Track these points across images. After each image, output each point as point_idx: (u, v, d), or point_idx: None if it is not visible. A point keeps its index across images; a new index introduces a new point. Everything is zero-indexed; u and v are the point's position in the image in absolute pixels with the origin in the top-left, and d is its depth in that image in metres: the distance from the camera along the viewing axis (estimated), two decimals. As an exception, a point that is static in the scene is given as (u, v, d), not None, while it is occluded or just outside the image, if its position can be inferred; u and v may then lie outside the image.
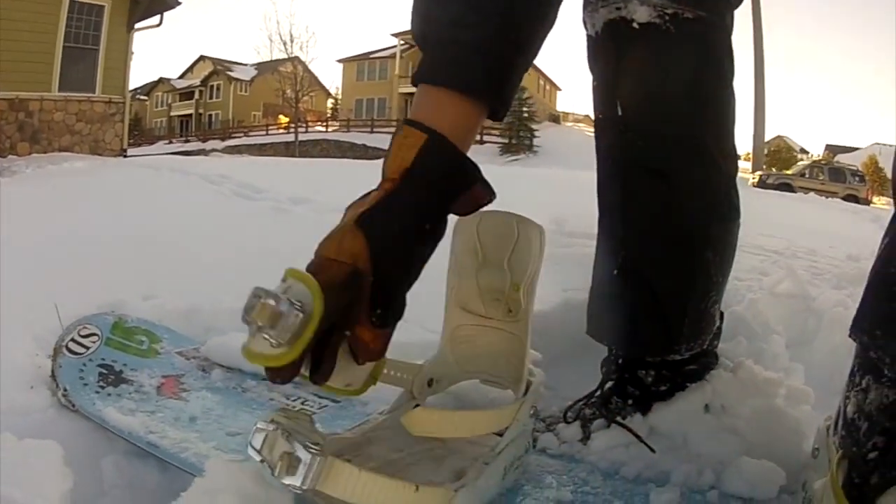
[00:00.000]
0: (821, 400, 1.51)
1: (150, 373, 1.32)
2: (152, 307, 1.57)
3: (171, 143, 49.42)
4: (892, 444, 0.94)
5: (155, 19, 16.48)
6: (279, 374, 0.78)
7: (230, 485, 0.78)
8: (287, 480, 0.77)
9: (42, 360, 1.33)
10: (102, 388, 1.23)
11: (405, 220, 0.87)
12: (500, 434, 1.05)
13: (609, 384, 1.32)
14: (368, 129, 41.59)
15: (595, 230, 1.33)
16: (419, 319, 1.18)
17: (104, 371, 1.28)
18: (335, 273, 0.81)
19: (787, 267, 2.27)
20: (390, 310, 0.86)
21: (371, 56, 52.13)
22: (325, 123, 48.97)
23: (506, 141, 38.61)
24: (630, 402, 1.28)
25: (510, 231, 1.13)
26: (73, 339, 1.32)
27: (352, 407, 1.29)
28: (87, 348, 1.32)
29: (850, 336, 1.04)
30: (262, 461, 0.77)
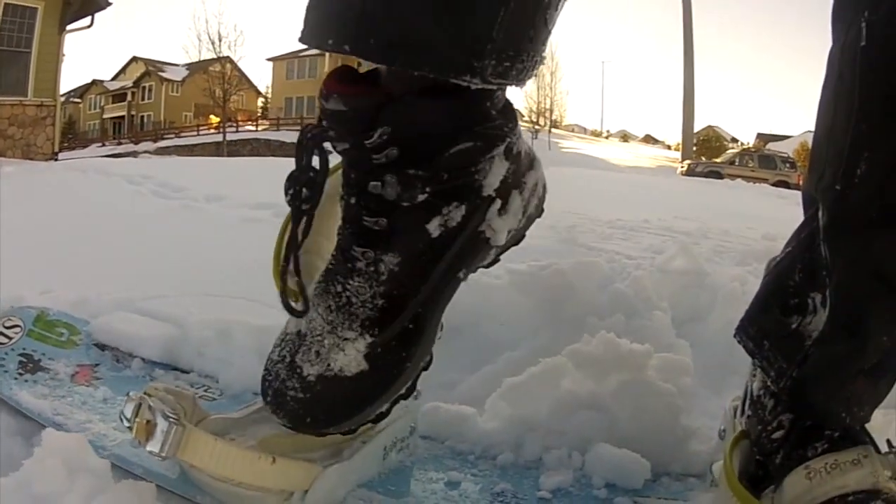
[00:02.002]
0: (717, 377, 1.55)
1: (67, 362, 1.35)
2: (46, 299, 1.59)
3: (103, 145, 48.57)
4: (798, 423, 0.96)
5: (86, 20, 16.23)
6: None
7: (59, 453, 0.81)
8: (148, 447, 0.81)
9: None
10: (21, 374, 1.27)
11: None
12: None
13: None
14: (298, 128, 41.23)
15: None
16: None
17: (23, 360, 1.32)
18: None
19: (681, 244, 2.29)
20: None
21: (301, 54, 51.87)
22: (255, 122, 48.58)
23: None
24: None
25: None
26: (-4, 330, 1.38)
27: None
28: (10, 338, 1.36)
29: (734, 337, 1.07)
30: (129, 428, 0.83)
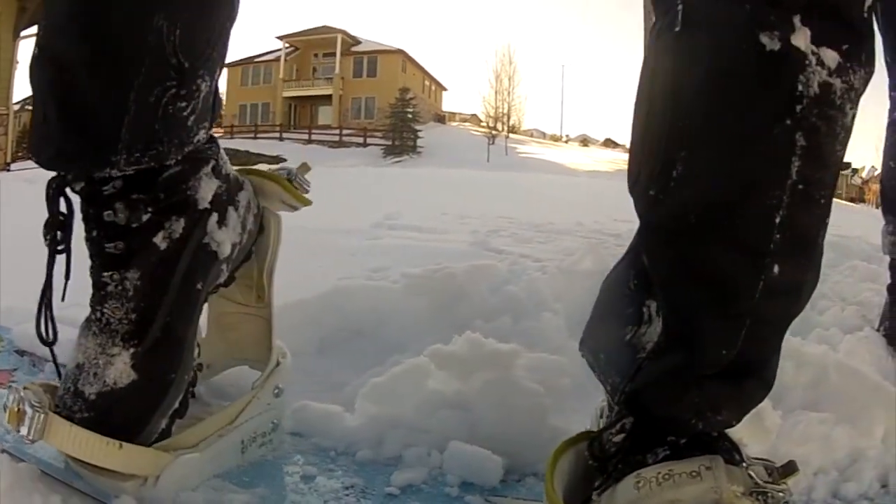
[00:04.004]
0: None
1: (-12, 367, 1.39)
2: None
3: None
4: (639, 426, 0.89)
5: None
6: None
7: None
8: (21, 432, 0.90)
9: None
10: (-57, 379, 1.31)
11: None
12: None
13: None
14: (252, 135, 41.18)
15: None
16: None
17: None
18: None
19: (590, 245, 2.32)
20: None
21: (256, 60, 51.59)
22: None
23: (389, 143, 38.75)
24: None
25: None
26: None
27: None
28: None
29: (579, 350, 1.02)
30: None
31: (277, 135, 45.42)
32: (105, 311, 0.98)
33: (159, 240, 0.98)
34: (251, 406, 1.12)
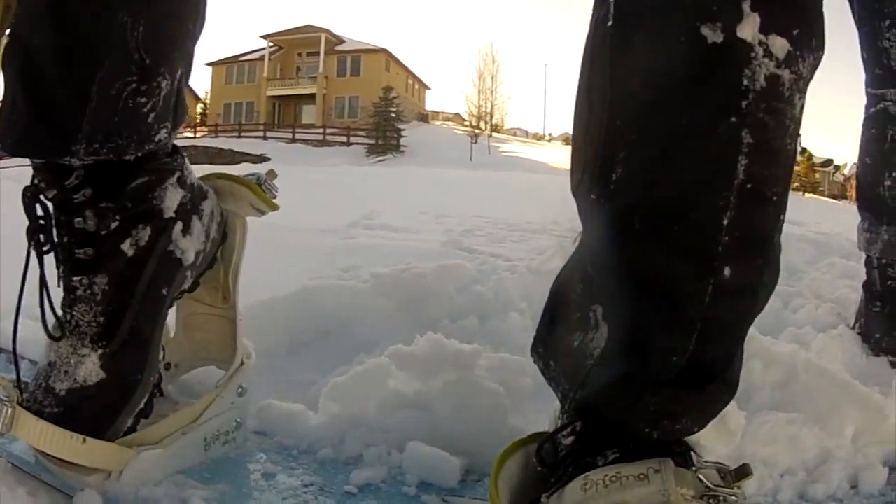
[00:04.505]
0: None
1: (-32, 364, 1.41)
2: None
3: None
4: (588, 430, 0.87)
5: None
6: None
7: None
8: None
9: None
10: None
11: None
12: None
13: None
14: (236, 134, 41.07)
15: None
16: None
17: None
18: None
19: (560, 244, 2.34)
20: None
21: (240, 59, 51.44)
22: (193, 129, 48.04)
23: (372, 141, 38.74)
24: None
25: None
26: None
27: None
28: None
29: (531, 356, 1.00)
30: None
31: (261, 133, 45.20)
32: (75, 313, 1.01)
33: (126, 247, 1.03)
34: (214, 404, 1.15)
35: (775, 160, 0.77)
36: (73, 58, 0.94)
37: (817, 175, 46.98)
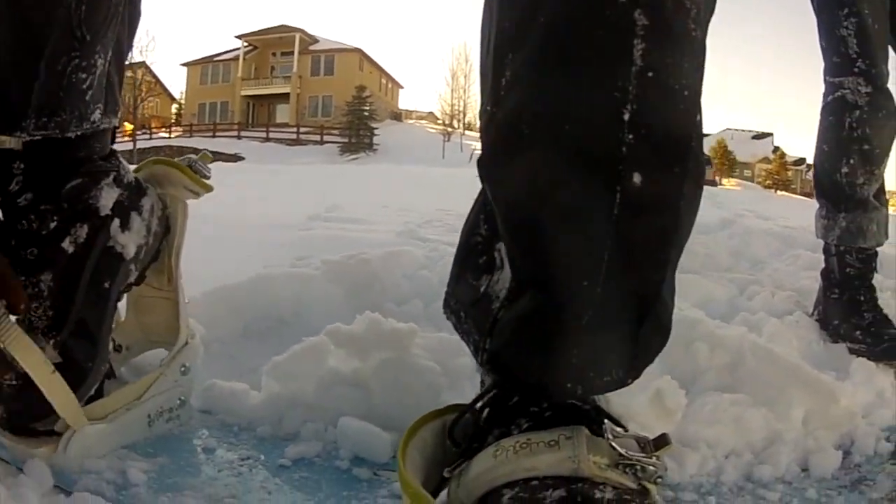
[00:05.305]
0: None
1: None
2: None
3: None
4: (501, 398, 0.82)
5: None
6: None
7: None
8: None
9: None
10: None
11: None
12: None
13: None
14: (211, 134, 40.89)
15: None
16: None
17: None
18: None
19: None
20: None
21: (215, 59, 51.19)
22: (168, 129, 47.82)
23: (346, 140, 38.69)
24: None
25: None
26: None
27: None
28: None
29: (443, 313, 0.97)
30: None
31: (236, 133, 45.09)
32: (30, 312, 1.05)
33: (67, 244, 1.07)
34: (158, 382, 1.20)
35: (678, 45, 0.70)
36: (22, 37, 1.00)
37: (790, 173, 47.27)
